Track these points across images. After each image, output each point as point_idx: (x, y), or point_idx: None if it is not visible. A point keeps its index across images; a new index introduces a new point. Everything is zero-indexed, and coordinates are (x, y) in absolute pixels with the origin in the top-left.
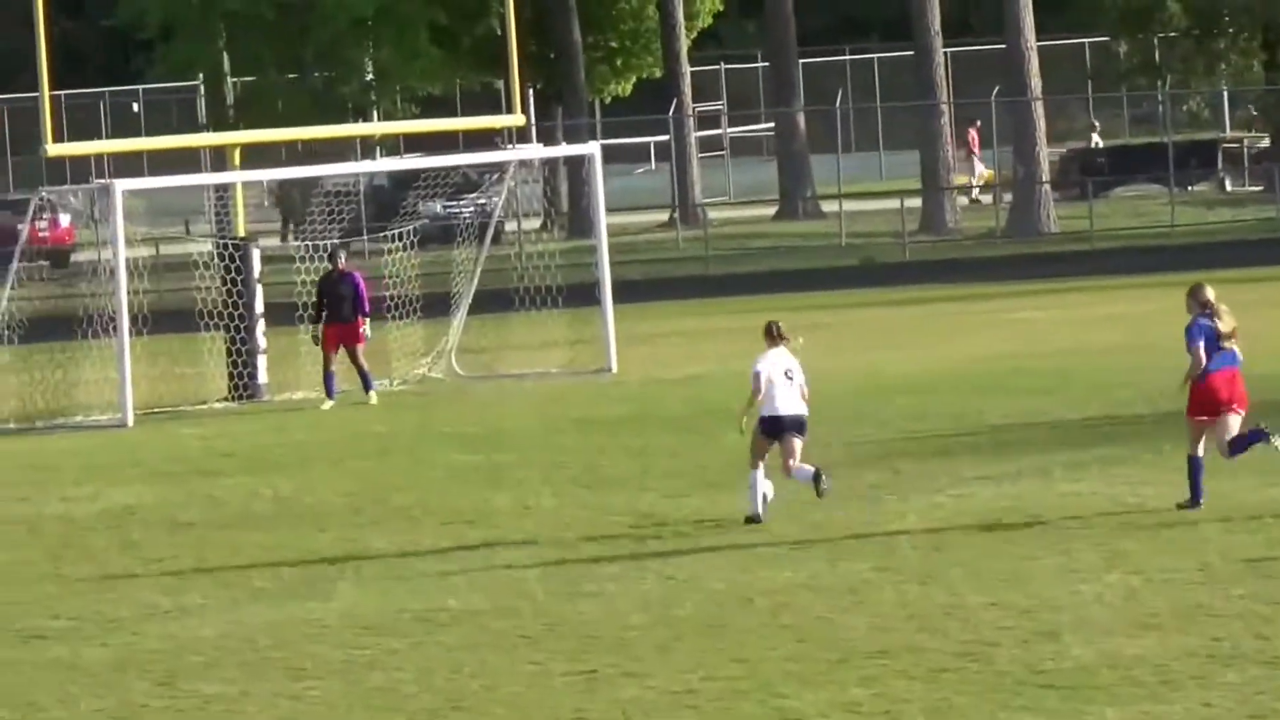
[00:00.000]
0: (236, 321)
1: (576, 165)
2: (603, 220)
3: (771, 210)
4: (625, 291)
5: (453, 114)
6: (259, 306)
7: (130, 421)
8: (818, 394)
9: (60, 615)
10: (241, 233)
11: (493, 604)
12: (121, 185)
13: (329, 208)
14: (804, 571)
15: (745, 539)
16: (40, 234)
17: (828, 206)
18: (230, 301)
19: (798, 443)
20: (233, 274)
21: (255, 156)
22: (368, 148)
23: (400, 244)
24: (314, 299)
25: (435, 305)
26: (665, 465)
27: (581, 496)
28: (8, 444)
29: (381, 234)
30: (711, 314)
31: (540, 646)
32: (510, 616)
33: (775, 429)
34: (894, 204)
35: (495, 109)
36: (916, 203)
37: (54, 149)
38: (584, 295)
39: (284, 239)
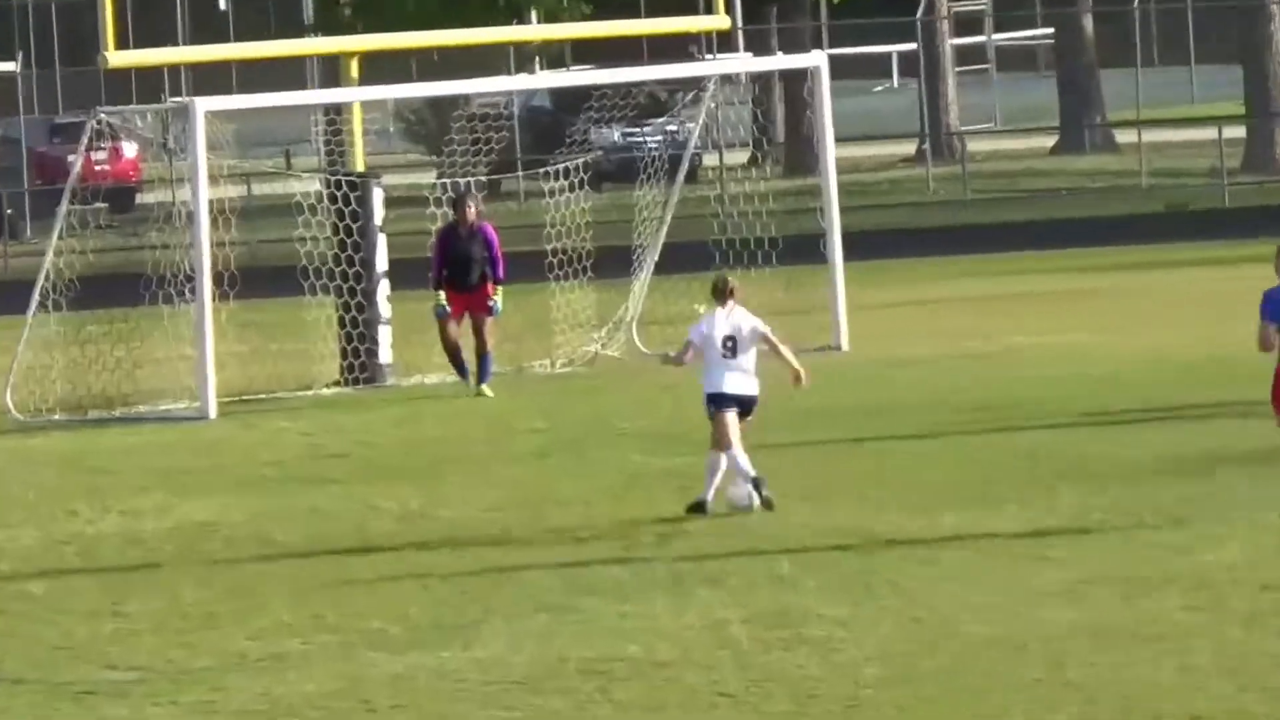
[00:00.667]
0: (352, 283)
1: (796, 82)
2: (830, 153)
3: (1049, 141)
4: (859, 245)
5: (636, 14)
6: (381, 263)
7: (212, 413)
8: (1106, 381)
9: (119, 665)
10: (360, 167)
11: (683, 652)
12: (204, 105)
13: (473, 136)
14: (1091, 611)
15: (1013, 570)
16: (97, 167)
17: (1122, 137)
18: (344, 257)
19: (744, 420)
20: (347, 221)
21: (377, 68)
22: (524, 58)
23: (566, 183)
24: (433, 258)
25: (611, 262)
26: (908, 473)
27: (799, 511)
28: (55, 441)
29: (541, 170)
30: (970, 276)
31: (746, 707)
32: (706, 668)
33: (718, 404)
34: (1209, 134)
35: (691, 8)
36: (1238, 132)
37: (116, 57)
38: (805, 250)
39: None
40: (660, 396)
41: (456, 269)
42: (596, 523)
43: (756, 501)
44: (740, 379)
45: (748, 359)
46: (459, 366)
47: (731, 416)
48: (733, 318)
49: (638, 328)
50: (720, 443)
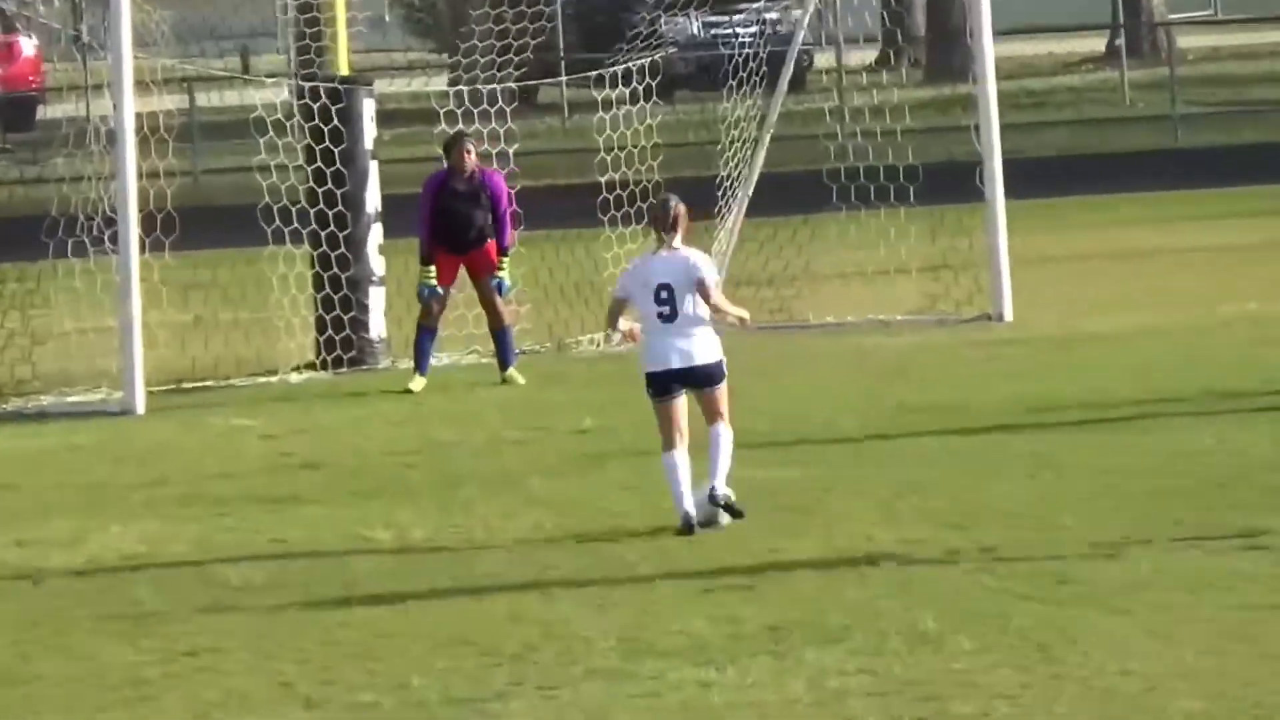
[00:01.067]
0: (331, 228)
1: None
2: (988, 52)
3: None
4: (1028, 177)
5: None
6: (372, 201)
7: (140, 406)
8: None
9: None
10: (343, 70)
11: None
12: None
13: (498, 27)
14: None
15: (1240, 622)
16: None
17: None
18: (321, 193)
19: (710, 393)
20: (326, 143)
21: None
22: None
23: (627, 90)
24: (420, 216)
25: (686, 200)
26: (1090, 491)
27: (943, 540)
28: None
29: (593, 73)
30: (1180, 219)
31: None
32: None
33: (662, 389)
34: None
35: None
36: None
37: None
38: (954, 184)
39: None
40: (752, 383)
41: (451, 226)
42: (663, 556)
43: (725, 519)
44: (686, 345)
45: (693, 313)
46: (420, 355)
47: (680, 404)
48: (673, 261)
49: (724, 289)
50: (668, 440)
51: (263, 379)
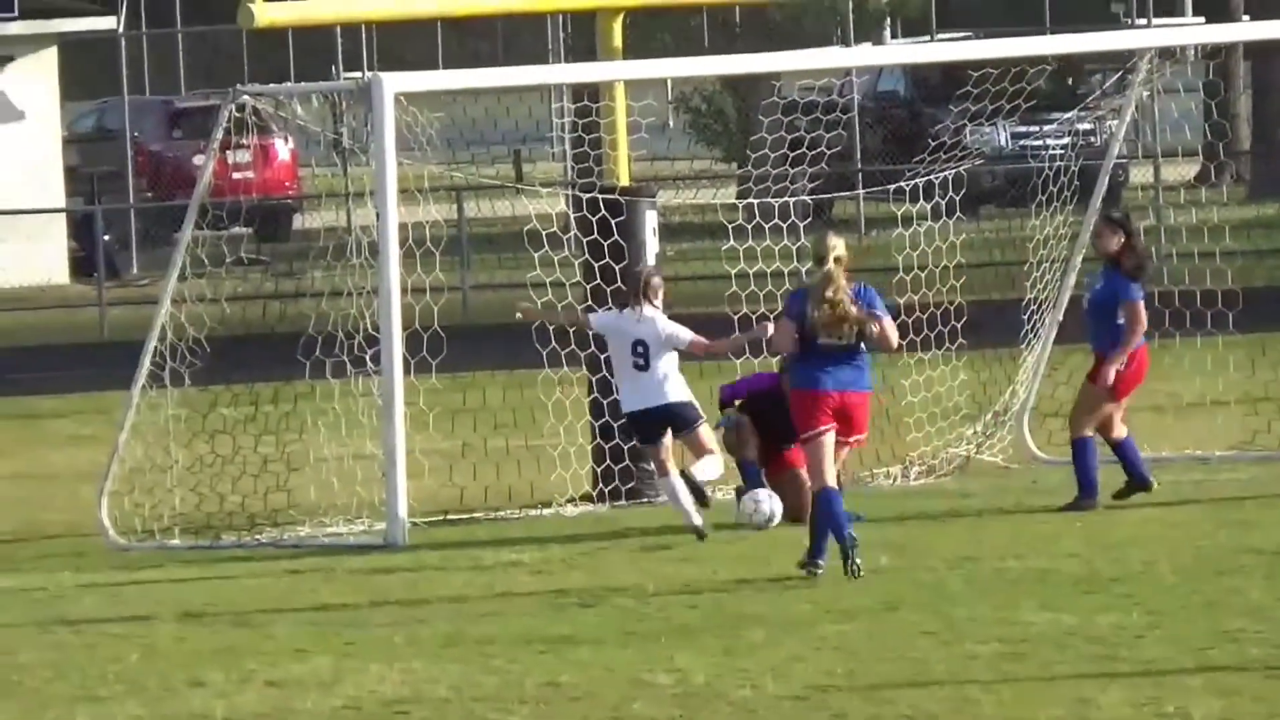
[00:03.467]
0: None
1: (1269, 61)
2: None
3: None
4: None
5: None
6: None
7: (403, 538)
8: None
9: None
10: (624, 179)
11: None
12: (394, 84)
13: (791, 135)
14: None
15: None
16: (237, 174)
17: None
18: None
19: (695, 435)
20: (605, 258)
21: (650, 35)
22: (868, 21)
23: (929, 205)
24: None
25: (993, 323)
26: None
27: (1266, 689)
28: (171, 577)
29: (892, 186)
30: None
31: None
32: None
33: (647, 434)
34: None
35: None
36: None
37: (266, 11)
38: (1277, 310)
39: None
40: (1063, 521)
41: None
42: (964, 704)
43: (768, 515)
44: (658, 388)
45: (661, 366)
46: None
47: (665, 442)
48: (645, 324)
49: (1030, 420)
50: (662, 468)
51: (535, 511)
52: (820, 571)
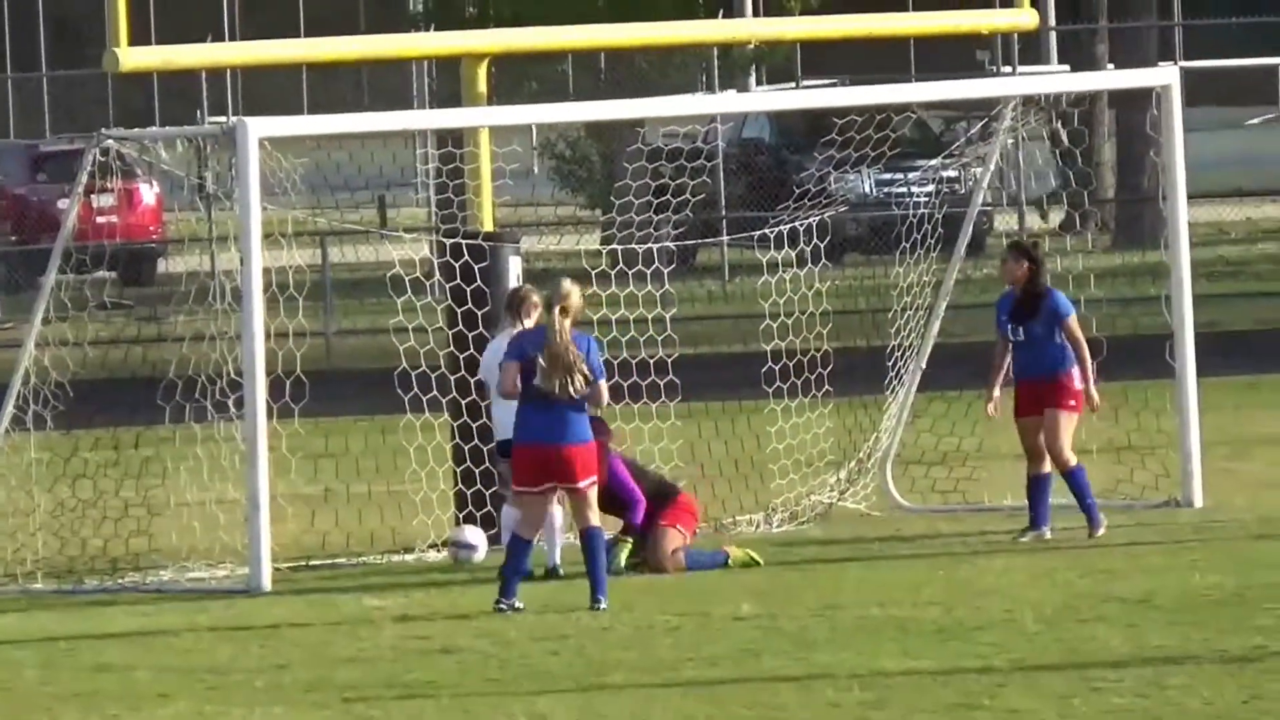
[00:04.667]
0: (473, 396)
1: (1133, 108)
2: (1182, 215)
3: None
4: (1225, 351)
5: (899, 6)
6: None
7: (266, 584)
8: None
9: None
10: (488, 225)
11: None
12: (258, 128)
13: (656, 182)
14: None
15: None
16: (101, 218)
17: None
18: (463, 358)
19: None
20: (468, 305)
21: (513, 80)
22: (733, 68)
23: (793, 252)
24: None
25: (857, 371)
26: None
27: None
28: (33, 623)
29: (756, 234)
30: None
31: None
32: None
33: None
34: None
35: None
36: None
37: (131, 56)
38: (1143, 357)
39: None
40: (924, 570)
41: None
42: None
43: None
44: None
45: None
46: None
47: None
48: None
49: (893, 468)
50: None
51: (397, 557)
52: (506, 608)
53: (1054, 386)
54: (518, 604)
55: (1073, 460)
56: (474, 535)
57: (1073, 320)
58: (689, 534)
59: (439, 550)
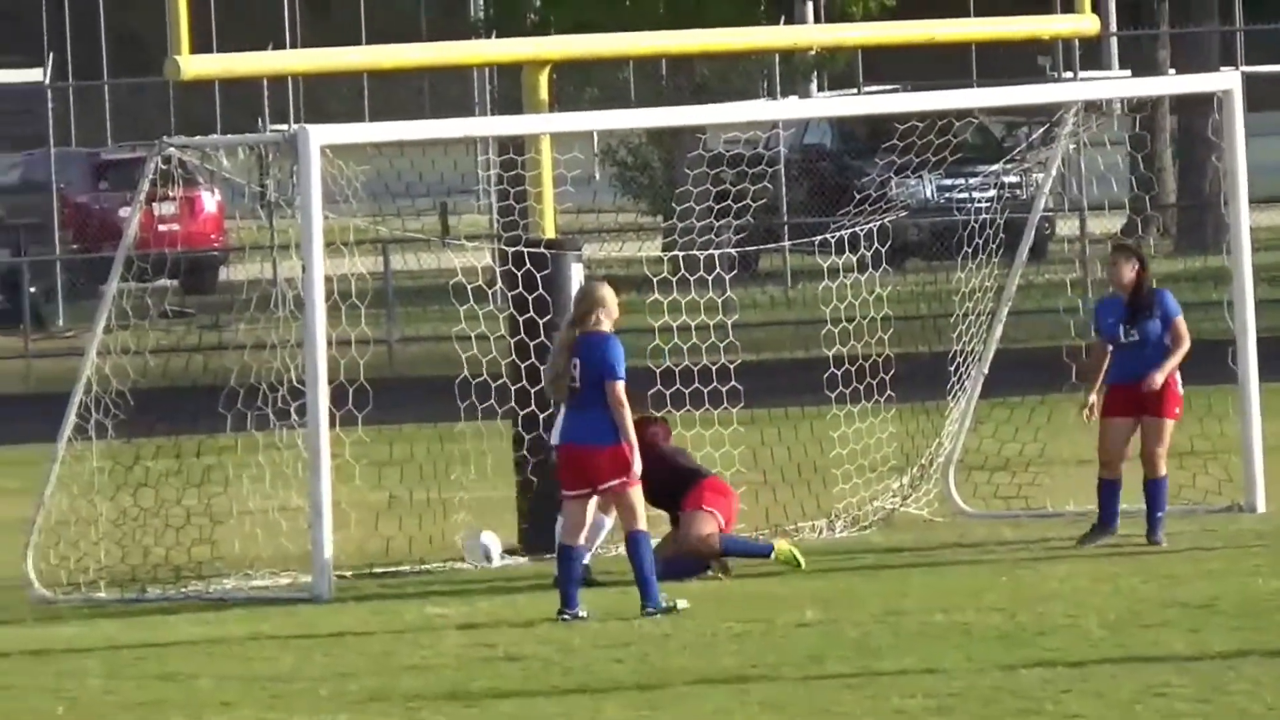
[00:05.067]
0: (535, 405)
1: (1194, 113)
2: (1244, 220)
3: None
4: None
5: (962, 12)
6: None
7: (328, 591)
8: None
9: None
10: (550, 232)
11: None
12: (320, 136)
13: (717, 188)
14: None
15: None
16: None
17: None
18: (525, 367)
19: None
20: (530, 312)
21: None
22: (795, 74)
23: (854, 258)
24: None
25: (919, 376)
26: None
27: None
28: (96, 631)
29: (817, 239)
30: None
31: None
32: None
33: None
34: None
35: (1044, 5)
36: None
37: (192, 64)
38: (1203, 364)
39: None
40: (987, 575)
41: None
42: None
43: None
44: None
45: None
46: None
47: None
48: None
49: (956, 474)
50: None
51: (460, 565)
52: (570, 618)
53: (1160, 392)
54: (581, 613)
55: (1164, 470)
56: (488, 538)
57: (1181, 320)
58: (724, 517)
59: (501, 557)
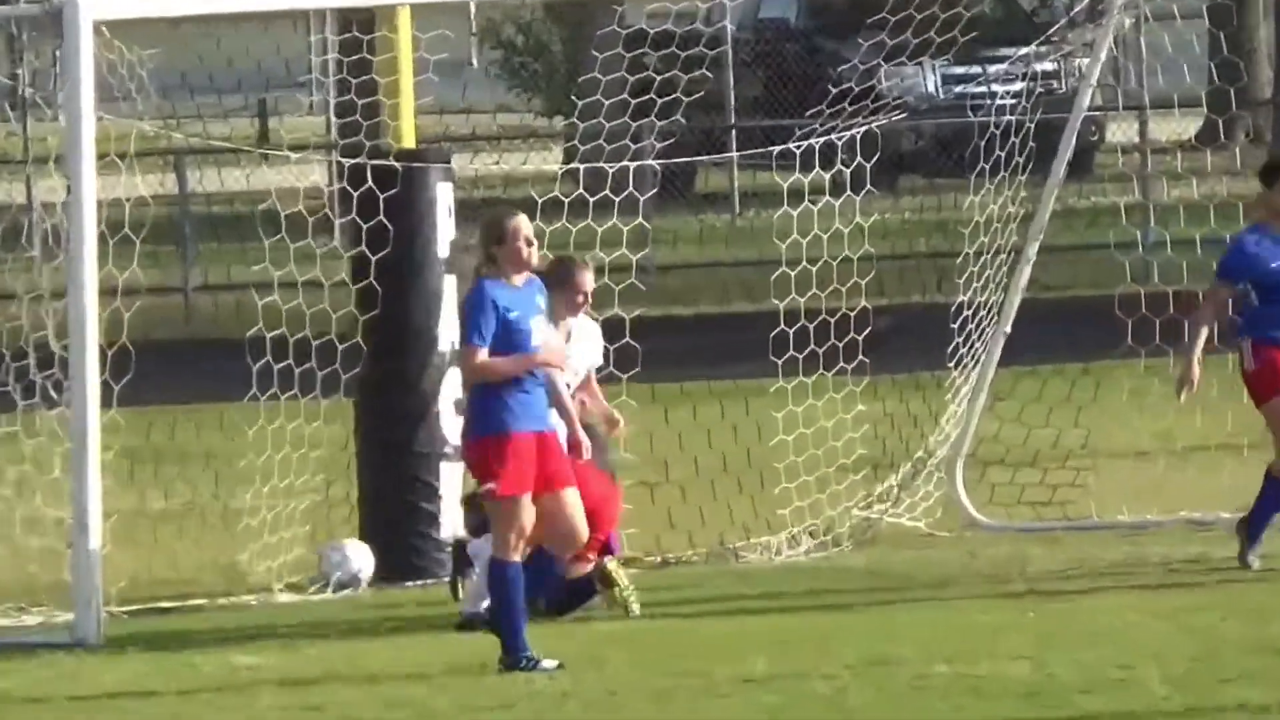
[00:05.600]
0: (385, 371)
1: None
2: None
3: None
4: None
5: None
6: (447, 338)
7: (95, 633)
8: None
9: None
10: (408, 140)
11: None
12: (92, 9)
13: (637, 77)
14: None
15: None
16: None
17: None
18: (370, 320)
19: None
20: (380, 252)
21: None
22: None
23: (827, 176)
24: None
25: (910, 338)
26: None
27: None
28: None
29: (775, 148)
30: None
31: None
32: None
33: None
34: None
35: None
36: None
37: None
38: None
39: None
40: (1013, 612)
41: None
42: None
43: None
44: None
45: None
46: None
47: None
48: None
49: (964, 471)
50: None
51: (282, 597)
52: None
53: None
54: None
55: None
56: (356, 551)
57: None
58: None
59: (342, 588)
